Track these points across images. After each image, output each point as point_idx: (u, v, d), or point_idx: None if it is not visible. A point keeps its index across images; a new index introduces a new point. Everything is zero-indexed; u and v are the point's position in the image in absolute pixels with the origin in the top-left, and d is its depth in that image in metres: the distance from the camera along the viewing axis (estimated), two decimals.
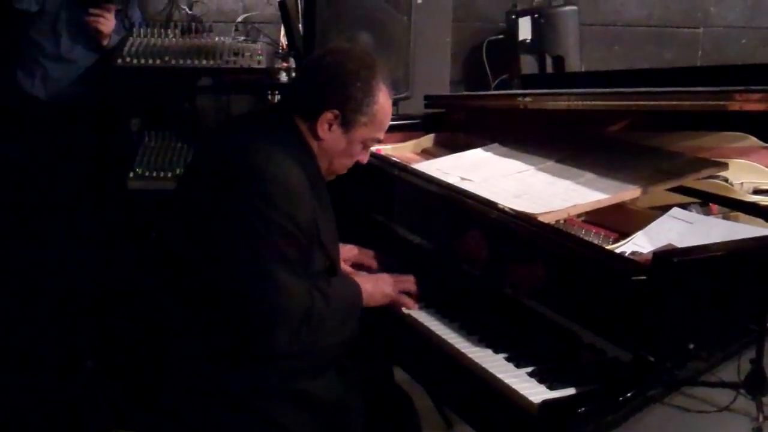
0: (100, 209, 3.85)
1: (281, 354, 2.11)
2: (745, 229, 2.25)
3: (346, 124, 2.25)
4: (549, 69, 4.75)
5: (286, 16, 3.98)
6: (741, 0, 5.44)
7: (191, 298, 2.17)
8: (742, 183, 2.61)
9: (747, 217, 2.37)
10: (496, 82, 5.06)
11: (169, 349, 2.20)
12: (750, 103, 2.22)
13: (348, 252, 2.65)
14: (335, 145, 2.27)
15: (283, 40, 4.29)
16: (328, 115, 2.23)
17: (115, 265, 3.65)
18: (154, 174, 3.59)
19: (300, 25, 3.94)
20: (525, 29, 4.78)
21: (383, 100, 2.28)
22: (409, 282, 2.45)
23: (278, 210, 2.08)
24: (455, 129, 3.31)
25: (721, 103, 2.29)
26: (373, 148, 2.91)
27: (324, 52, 2.36)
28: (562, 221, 2.37)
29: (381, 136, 2.36)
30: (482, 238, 2.38)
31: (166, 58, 3.74)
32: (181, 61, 3.76)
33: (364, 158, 2.38)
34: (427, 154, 3.18)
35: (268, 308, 2.06)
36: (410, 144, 3.24)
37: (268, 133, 2.24)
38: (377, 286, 2.39)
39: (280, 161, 2.14)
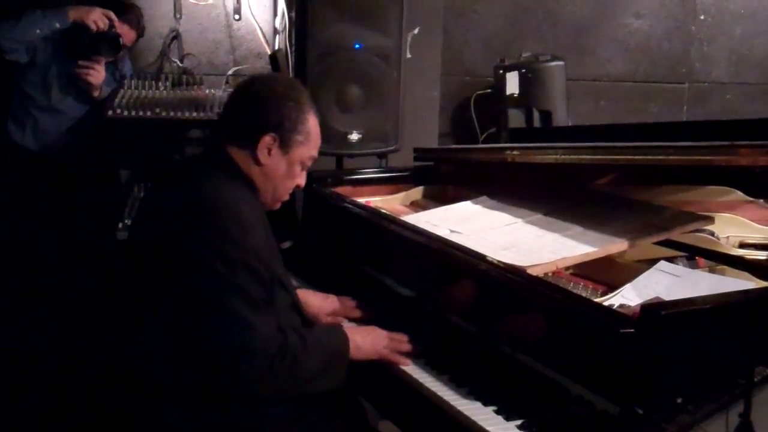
0: (88, 261, 3.83)
1: (253, 391, 2.08)
2: (732, 282, 2.26)
3: (285, 145, 2.28)
4: (536, 123, 4.79)
5: (276, 69, 4.01)
6: (725, 56, 5.51)
7: (160, 346, 2.15)
8: (728, 237, 2.62)
9: (733, 270, 2.38)
10: (484, 135, 5.08)
11: (147, 401, 2.18)
12: (735, 157, 2.25)
13: (330, 305, 2.64)
14: (277, 169, 2.30)
15: None
16: (267, 139, 2.26)
17: (104, 317, 3.62)
18: None
19: None
20: (512, 84, 4.81)
21: (313, 117, 2.34)
22: (403, 342, 2.37)
23: (235, 245, 2.08)
24: (444, 182, 3.34)
25: (707, 158, 2.32)
26: (363, 200, 2.92)
27: (248, 81, 2.42)
28: (550, 274, 2.37)
29: (316, 153, 2.39)
30: (470, 287, 2.39)
31: (157, 110, 3.76)
32: (172, 113, 3.78)
33: (302, 181, 2.41)
34: (417, 206, 3.20)
35: (230, 345, 2.03)
36: (399, 196, 3.26)
37: (210, 170, 2.25)
38: (367, 341, 2.32)
39: (227, 196, 2.16)
